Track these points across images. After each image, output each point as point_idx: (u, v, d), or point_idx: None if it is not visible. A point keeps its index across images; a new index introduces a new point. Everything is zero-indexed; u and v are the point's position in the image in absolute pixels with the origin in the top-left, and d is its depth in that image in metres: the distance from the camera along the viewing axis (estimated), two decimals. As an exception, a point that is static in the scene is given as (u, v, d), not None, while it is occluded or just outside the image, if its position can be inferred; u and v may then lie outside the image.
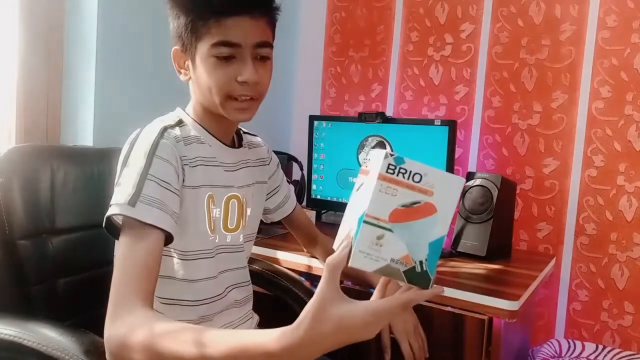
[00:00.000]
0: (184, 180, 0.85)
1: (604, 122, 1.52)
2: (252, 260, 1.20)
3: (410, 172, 0.56)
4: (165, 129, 0.85)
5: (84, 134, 1.42)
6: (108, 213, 0.77)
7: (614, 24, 1.49)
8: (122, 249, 0.74)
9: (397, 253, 0.56)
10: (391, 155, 0.56)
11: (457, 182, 0.58)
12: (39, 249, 0.96)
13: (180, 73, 0.91)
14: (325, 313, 0.55)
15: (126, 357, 0.65)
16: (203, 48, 0.84)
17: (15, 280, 0.94)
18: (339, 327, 0.55)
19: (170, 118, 0.91)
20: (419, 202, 0.56)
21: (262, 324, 1.06)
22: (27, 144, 1.07)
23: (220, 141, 0.94)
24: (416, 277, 0.57)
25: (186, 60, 0.88)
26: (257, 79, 0.86)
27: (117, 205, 0.76)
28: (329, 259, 0.57)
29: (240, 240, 0.98)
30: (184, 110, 0.94)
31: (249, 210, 1.00)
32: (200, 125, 0.92)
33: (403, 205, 0.56)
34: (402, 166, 0.56)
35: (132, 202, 0.74)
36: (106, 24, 1.40)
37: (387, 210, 0.56)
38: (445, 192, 0.57)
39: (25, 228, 0.95)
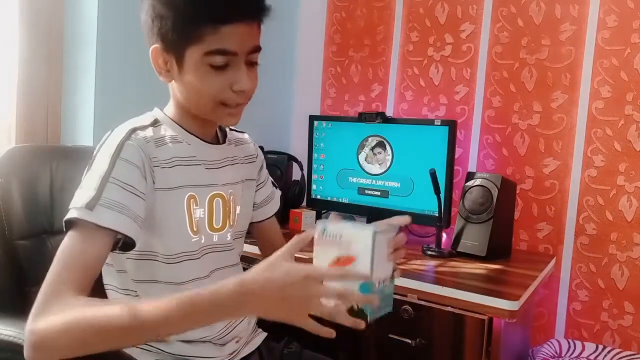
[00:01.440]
0: (154, 182, 0.82)
1: (604, 122, 1.51)
2: (251, 260, 1.20)
3: (333, 234, 0.71)
4: (133, 130, 0.83)
5: (84, 134, 1.43)
6: (66, 217, 0.75)
7: (614, 24, 1.49)
8: (67, 243, 0.73)
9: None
10: (322, 224, 0.72)
11: (366, 234, 0.70)
12: (38, 249, 0.97)
13: (161, 74, 0.86)
14: (277, 263, 0.67)
15: (49, 343, 0.64)
16: (195, 54, 0.80)
17: (14, 281, 0.94)
18: (286, 275, 0.66)
19: (144, 118, 0.88)
20: (342, 255, 0.70)
21: (261, 323, 1.06)
22: (27, 144, 1.07)
23: (200, 139, 0.91)
24: (355, 314, 0.70)
25: (168, 60, 0.84)
26: (252, 87, 0.84)
27: (75, 209, 0.74)
28: (298, 235, 0.70)
29: (228, 238, 0.95)
30: (162, 110, 0.91)
31: (238, 209, 0.98)
32: (178, 124, 0.89)
33: (332, 260, 0.71)
34: (327, 230, 0.72)
35: (91, 205, 0.73)
36: (106, 24, 1.40)
37: (325, 264, 0.71)
38: (360, 245, 0.70)
39: (24, 228, 0.95)
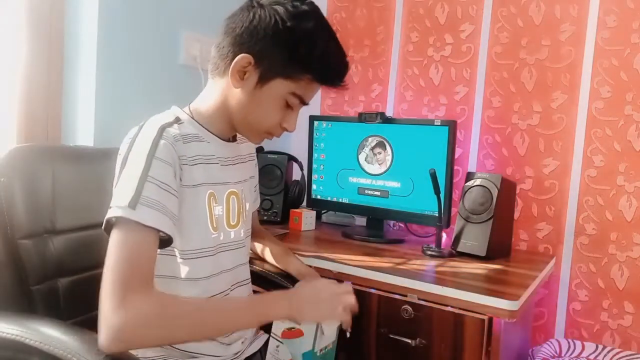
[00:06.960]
0: (181, 180, 0.85)
1: (603, 122, 1.52)
2: (252, 260, 1.21)
3: None
4: (163, 128, 0.84)
5: (85, 134, 1.43)
6: (109, 215, 0.75)
7: (614, 24, 1.49)
8: (119, 241, 0.73)
9: (286, 357, 0.91)
10: None
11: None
12: (40, 248, 0.97)
13: (233, 76, 0.86)
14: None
15: (140, 333, 0.69)
16: (282, 87, 0.86)
17: (16, 280, 0.94)
18: (315, 285, 0.92)
19: (167, 116, 0.90)
20: (293, 328, 0.89)
21: (263, 325, 1.07)
22: (28, 144, 1.07)
23: (218, 136, 0.94)
24: None
25: (249, 71, 0.86)
26: (294, 129, 0.93)
27: (118, 208, 0.75)
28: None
29: (242, 235, 0.99)
30: (182, 109, 0.93)
31: (247, 205, 1.02)
32: (198, 123, 0.92)
33: (285, 329, 0.90)
34: None
35: (133, 204, 0.74)
36: (106, 24, 1.40)
37: (279, 332, 0.91)
38: (308, 325, 0.90)
39: (26, 228, 0.95)
